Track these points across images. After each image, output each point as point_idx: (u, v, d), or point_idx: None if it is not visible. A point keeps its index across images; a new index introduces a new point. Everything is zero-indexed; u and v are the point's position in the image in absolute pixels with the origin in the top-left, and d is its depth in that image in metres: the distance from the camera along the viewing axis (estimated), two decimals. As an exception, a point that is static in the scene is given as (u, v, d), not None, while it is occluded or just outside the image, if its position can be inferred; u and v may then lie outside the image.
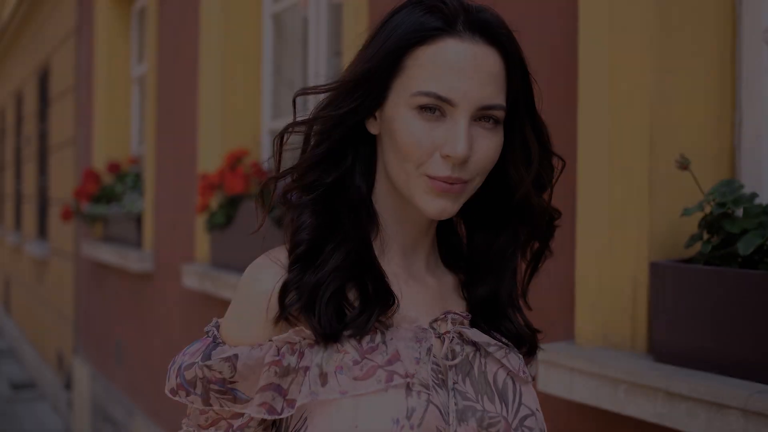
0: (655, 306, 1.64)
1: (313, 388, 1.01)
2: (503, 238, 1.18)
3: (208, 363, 1.05)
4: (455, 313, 1.12)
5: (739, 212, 1.56)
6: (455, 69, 1.02)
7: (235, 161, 3.66)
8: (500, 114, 1.06)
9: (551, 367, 1.80)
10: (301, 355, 1.03)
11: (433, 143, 1.03)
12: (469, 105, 1.02)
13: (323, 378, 1.02)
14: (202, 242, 4.06)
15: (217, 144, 3.94)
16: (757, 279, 1.46)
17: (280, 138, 1.12)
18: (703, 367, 1.55)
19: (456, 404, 1.05)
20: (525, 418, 1.09)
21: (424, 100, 1.02)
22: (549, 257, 1.23)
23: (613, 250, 1.76)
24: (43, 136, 9.08)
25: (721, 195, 1.56)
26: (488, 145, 1.05)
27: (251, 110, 3.99)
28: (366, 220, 1.11)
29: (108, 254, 5.57)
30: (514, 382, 1.11)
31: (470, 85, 1.02)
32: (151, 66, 5.05)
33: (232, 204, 3.66)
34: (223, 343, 1.08)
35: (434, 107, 1.03)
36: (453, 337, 1.10)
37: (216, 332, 1.10)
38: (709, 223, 1.59)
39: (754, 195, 1.56)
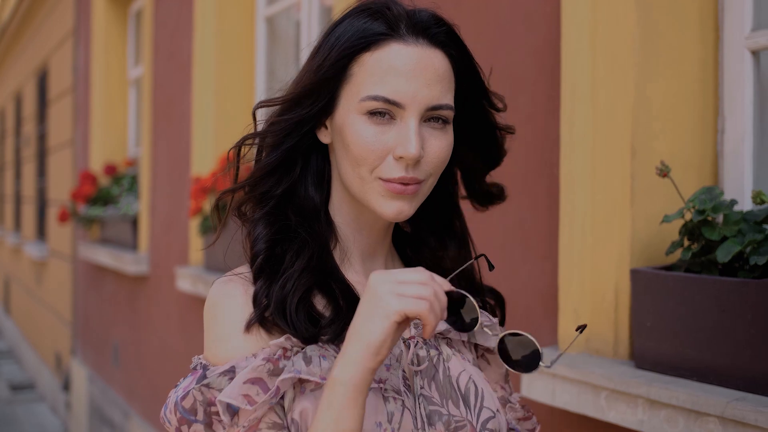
0: (636, 313, 1.64)
1: (297, 366, 1.00)
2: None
3: (206, 382, 1.02)
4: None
5: (719, 219, 1.57)
6: (401, 72, 1.04)
7: (228, 164, 3.65)
8: (449, 114, 1.08)
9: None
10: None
11: (385, 146, 1.05)
12: (418, 106, 1.04)
13: (307, 360, 1.01)
14: (196, 245, 4.06)
15: (210, 147, 3.95)
16: (735, 286, 1.46)
17: (236, 150, 1.14)
18: (683, 374, 1.55)
19: (423, 409, 1.08)
20: (487, 420, 1.13)
21: (373, 105, 1.04)
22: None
23: (596, 256, 1.77)
24: (42, 138, 9.10)
25: (701, 202, 1.56)
26: (439, 145, 1.07)
27: (245, 113, 4.00)
28: (324, 229, 1.12)
29: (104, 256, 5.58)
30: (476, 385, 1.14)
31: (417, 87, 1.04)
32: (147, 68, 5.06)
33: (224, 208, 3.65)
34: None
35: (383, 111, 1.04)
36: (417, 341, 1.11)
37: (204, 362, 1.07)
38: (690, 230, 1.59)
39: (733, 202, 1.56)
